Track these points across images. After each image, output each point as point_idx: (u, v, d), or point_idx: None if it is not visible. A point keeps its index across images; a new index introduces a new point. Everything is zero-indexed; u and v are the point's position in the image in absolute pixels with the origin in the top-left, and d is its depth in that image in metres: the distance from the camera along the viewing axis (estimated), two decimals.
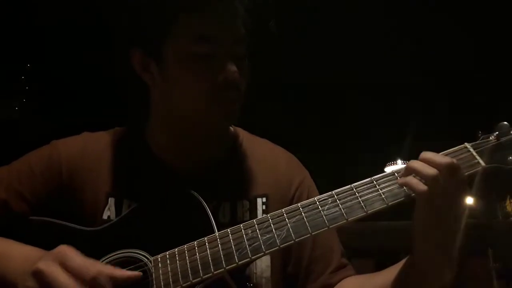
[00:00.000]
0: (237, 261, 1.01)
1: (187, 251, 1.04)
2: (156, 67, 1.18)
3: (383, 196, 1.02)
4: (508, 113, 1.12)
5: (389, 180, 1.04)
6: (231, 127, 1.32)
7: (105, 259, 1.08)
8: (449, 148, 1.07)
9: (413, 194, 1.00)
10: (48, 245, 1.04)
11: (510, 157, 1.04)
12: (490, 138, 1.07)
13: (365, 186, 1.04)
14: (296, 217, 1.03)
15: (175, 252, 1.05)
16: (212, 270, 1.01)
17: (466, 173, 1.02)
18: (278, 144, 1.38)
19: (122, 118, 1.38)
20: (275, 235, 1.02)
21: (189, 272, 1.01)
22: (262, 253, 1.01)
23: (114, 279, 0.98)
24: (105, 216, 1.19)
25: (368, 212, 1.02)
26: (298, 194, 1.27)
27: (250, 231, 1.03)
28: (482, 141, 1.08)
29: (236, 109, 1.18)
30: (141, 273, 1.03)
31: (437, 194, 0.97)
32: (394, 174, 1.05)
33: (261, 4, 1.24)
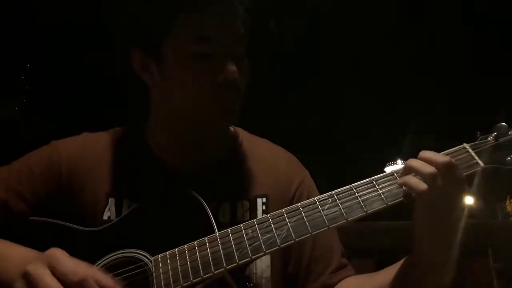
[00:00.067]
0: (237, 260, 1.01)
1: (188, 251, 1.04)
2: (156, 67, 1.18)
3: (383, 196, 1.03)
4: (507, 114, 1.12)
5: (388, 180, 1.05)
6: (231, 127, 1.32)
7: (106, 259, 1.09)
8: (448, 148, 1.08)
9: (413, 194, 1.00)
10: (48, 245, 1.04)
11: (509, 158, 1.05)
12: (489, 138, 1.08)
13: (364, 186, 1.05)
14: (296, 217, 1.03)
15: (175, 252, 1.05)
16: (213, 270, 1.01)
17: (465, 173, 1.03)
18: (278, 144, 1.38)
19: (122, 118, 1.39)
20: (275, 234, 1.02)
21: (190, 271, 1.02)
22: (263, 253, 1.01)
23: (100, 284, 0.97)
24: (105, 217, 1.19)
25: (368, 212, 1.02)
26: (298, 194, 1.27)
27: (250, 231, 1.04)
28: (481, 141, 1.08)
29: (236, 109, 1.18)
30: (123, 283, 1.03)
31: (436, 193, 0.97)
32: (394, 174, 1.05)
33: (261, 4, 1.24)
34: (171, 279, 1.02)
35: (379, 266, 1.22)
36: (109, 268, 1.06)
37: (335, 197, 1.04)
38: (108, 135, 1.30)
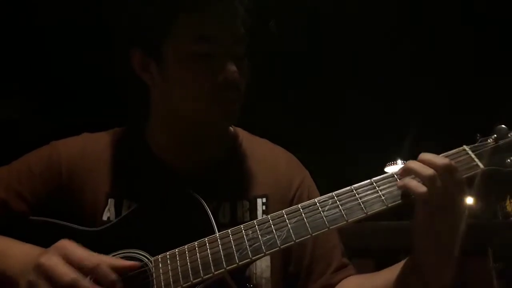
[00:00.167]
0: (237, 261, 1.01)
1: (188, 251, 1.04)
2: (155, 67, 1.18)
3: (383, 198, 1.03)
4: (507, 115, 1.12)
5: (388, 182, 1.04)
6: (231, 127, 1.32)
7: None
8: (447, 149, 1.08)
9: (412, 196, 1.00)
10: (48, 245, 1.04)
11: (508, 160, 1.05)
12: (489, 140, 1.08)
13: (365, 188, 1.05)
14: (296, 218, 1.03)
15: (175, 252, 1.05)
16: (213, 271, 1.01)
17: (465, 176, 1.03)
18: (278, 144, 1.38)
19: (122, 118, 1.39)
20: (276, 235, 1.02)
21: (190, 272, 1.01)
22: (263, 254, 1.01)
23: (115, 269, 0.98)
24: (105, 217, 1.19)
25: (368, 213, 1.02)
26: (298, 194, 1.27)
27: (250, 232, 1.03)
28: (481, 143, 1.08)
29: (236, 109, 1.18)
30: (139, 263, 1.04)
31: (436, 195, 0.97)
32: (394, 176, 1.05)
33: (261, 4, 1.24)
34: (171, 280, 1.02)
35: (379, 266, 1.22)
36: None
37: (335, 198, 1.04)
38: (108, 135, 1.30)
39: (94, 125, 1.38)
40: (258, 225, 1.04)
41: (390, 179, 1.05)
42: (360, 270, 1.27)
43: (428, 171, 0.98)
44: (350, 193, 1.04)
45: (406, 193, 1.01)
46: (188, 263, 1.02)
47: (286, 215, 1.04)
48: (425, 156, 1.02)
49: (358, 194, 1.04)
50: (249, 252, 1.01)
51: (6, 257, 1.06)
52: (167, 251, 1.06)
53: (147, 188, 1.21)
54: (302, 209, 1.04)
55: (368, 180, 1.05)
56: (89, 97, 4.03)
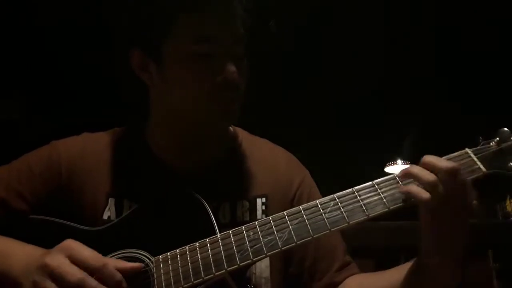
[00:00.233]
0: (238, 262, 1.01)
1: (189, 252, 1.04)
2: (155, 67, 1.18)
3: (385, 200, 1.02)
4: (509, 119, 1.12)
5: (390, 184, 1.04)
6: (230, 128, 1.32)
7: None
8: (448, 151, 1.07)
9: (414, 199, 1.00)
10: (48, 244, 1.04)
11: (511, 163, 1.04)
12: (491, 144, 1.07)
13: (366, 190, 1.04)
14: (298, 220, 1.03)
15: (176, 252, 1.05)
16: (214, 271, 1.01)
17: (467, 179, 1.02)
18: (278, 144, 1.38)
19: (122, 118, 1.39)
20: (277, 237, 1.02)
21: (191, 272, 1.01)
22: (264, 255, 1.01)
23: (119, 270, 0.99)
24: (105, 217, 1.19)
25: (370, 215, 1.02)
26: (299, 194, 1.27)
27: (251, 233, 1.03)
28: (483, 146, 1.07)
29: (235, 109, 1.18)
30: (142, 264, 1.04)
31: (438, 200, 0.96)
32: (396, 178, 1.05)
33: (261, 4, 1.24)
34: (172, 280, 1.02)
35: (379, 266, 1.22)
36: None
37: (337, 200, 1.04)
38: (108, 135, 1.30)
39: (94, 125, 1.38)
40: (259, 226, 1.04)
41: (392, 181, 1.04)
42: (360, 270, 1.27)
43: (429, 177, 0.97)
44: (351, 195, 1.04)
45: (408, 197, 1.01)
46: (189, 264, 1.02)
47: (287, 216, 1.04)
48: (428, 158, 1.00)
49: (359, 196, 1.03)
50: (250, 253, 1.01)
51: (7, 258, 1.06)
52: (168, 251, 1.06)
53: (147, 188, 1.21)
54: (303, 211, 1.04)
55: (370, 182, 1.05)
56: (89, 97, 4.03)
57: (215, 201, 1.19)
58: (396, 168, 5.52)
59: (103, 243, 1.10)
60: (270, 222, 1.04)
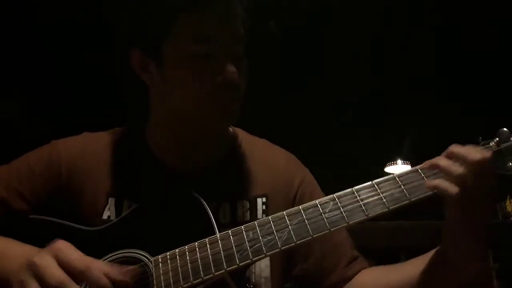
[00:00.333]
0: (238, 262, 1.01)
1: (188, 252, 1.04)
2: (155, 67, 1.18)
3: (384, 200, 1.02)
4: (509, 119, 1.11)
5: (389, 184, 1.04)
6: (230, 128, 1.32)
7: (105, 259, 1.08)
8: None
9: (414, 199, 1.00)
10: (48, 244, 1.04)
11: (510, 164, 1.04)
12: (491, 144, 1.07)
13: (366, 190, 1.04)
14: (297, 219, 1.03)
15: (175, 252, 1.05)
16: (213, 271, 1.00)
17: None
18: (278, 144, 1.38)
19: (122, 118, 1.39)
20: (276, 237, 1.02)
21: (190, 272, 1.01)
22: (263, 255, 1.01)
23: (108, 274, 0.97)
24: (105, 216, 1.19)
25: (369, 215, 1.02)
26: (300, 193, 1.26)
27: (251, 233, 1.03)
28: (483, 147, 1.07)
29: (235, 109, 1.18)
30: (135, 267, 1.03)
31: (468, 193, 0.94)
32: (395, 178, 1.04)
33: (261, 4, 1.24)
34: (171, 280, 1.02)
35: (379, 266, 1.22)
36: None
37: (337, 200, 1.04)
38: (108, 135, 1.30)
39: (94, 125, 1.38)
40: (258, 226, 1.04)
41: (391, 181, 1.04)
42: None
43: (458, 170, 0.95)
44: (351, 195, 1.04)
45: (408, 196, 1.00)
46: (189, 264, 1.02)
47: (286, 216, 1.04)
48: (456, 149, 0.98)
49: (359, 196, 1.03)
50: (250, 253, 1.01)
51: (6, 259, 1.06)
52: (167, 251, 1.05)
53: (147, 188, 1.21)
54: (303, 211, 1.04)
55: (370, 182, 1.05)
56: (89, 97, 4.03)
57: (215, 201, 1.19)
58: (396, 168, 5.53)
59: (103, 243, 1.10)
60: (270, 222, 1.04)
